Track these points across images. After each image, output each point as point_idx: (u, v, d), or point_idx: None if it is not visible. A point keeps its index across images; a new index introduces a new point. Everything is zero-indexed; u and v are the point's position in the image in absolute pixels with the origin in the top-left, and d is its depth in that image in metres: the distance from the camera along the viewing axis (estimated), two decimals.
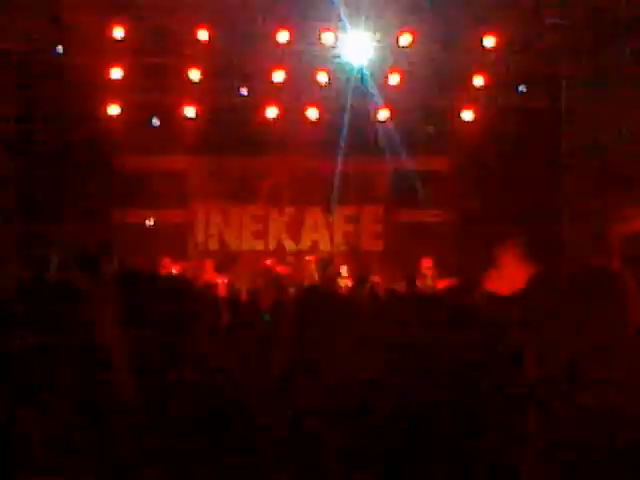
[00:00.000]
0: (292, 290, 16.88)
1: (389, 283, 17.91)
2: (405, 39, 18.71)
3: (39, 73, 18.30)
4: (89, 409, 1.96)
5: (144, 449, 3.16)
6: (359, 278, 17.64)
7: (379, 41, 18.75)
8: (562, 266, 3.58)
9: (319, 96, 19.53)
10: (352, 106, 19.43)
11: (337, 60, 18.94)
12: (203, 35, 18.26)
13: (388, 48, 18.93)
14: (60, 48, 17.98)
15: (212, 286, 14.65)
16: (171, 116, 19.34)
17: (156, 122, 19.35)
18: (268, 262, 19.29)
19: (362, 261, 20.32)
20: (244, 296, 17.25)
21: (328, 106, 19.62)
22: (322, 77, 19.16)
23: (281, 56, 18.92)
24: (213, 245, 20.72)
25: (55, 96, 18.26)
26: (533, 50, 18.97)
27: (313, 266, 19.55)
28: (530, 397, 2.91)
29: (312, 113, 19.75)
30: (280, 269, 19.06)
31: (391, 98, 19.62)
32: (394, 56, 19.09)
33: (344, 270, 19.00)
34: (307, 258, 19.81)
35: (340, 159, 20.15)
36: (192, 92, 19.21)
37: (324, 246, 20.80)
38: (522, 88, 19.83)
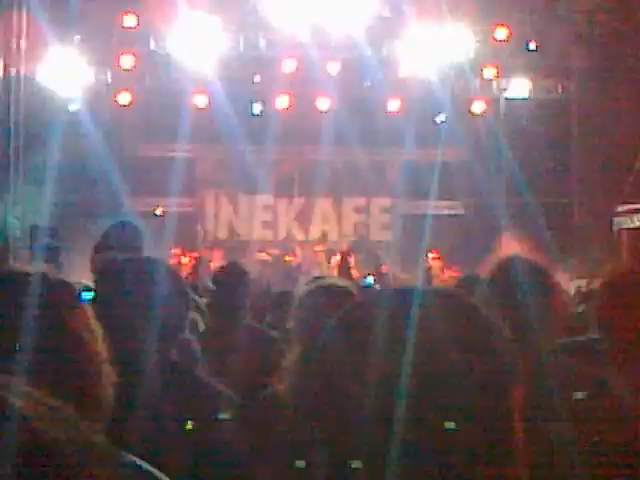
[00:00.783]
0: (302, 279, 16.91)
1: (397, 273, 17.94)
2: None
3: None
4: None
5: None
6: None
7: None
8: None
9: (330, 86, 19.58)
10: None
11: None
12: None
13: None
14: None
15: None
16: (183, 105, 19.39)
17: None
18: (276, 252, 19.36)
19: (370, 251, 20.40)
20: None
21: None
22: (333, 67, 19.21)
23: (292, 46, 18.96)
24: (222, 234, 20.79)
25: None
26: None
27: (322, 256, 19.60)
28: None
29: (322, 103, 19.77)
30: (290, 259, 19.14)
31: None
32: None
33: (352, 261, 19.02)
34: (316, 248, 19.85)
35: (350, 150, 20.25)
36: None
37: (333, 236, 20.83)
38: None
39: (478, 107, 20.01)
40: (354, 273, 18.54)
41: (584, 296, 7.32)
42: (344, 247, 19.14)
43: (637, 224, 17.21)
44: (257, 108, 19.72)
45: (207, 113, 19.47)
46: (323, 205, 21.09)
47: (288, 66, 19.13)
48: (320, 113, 19.76)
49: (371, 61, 19.26)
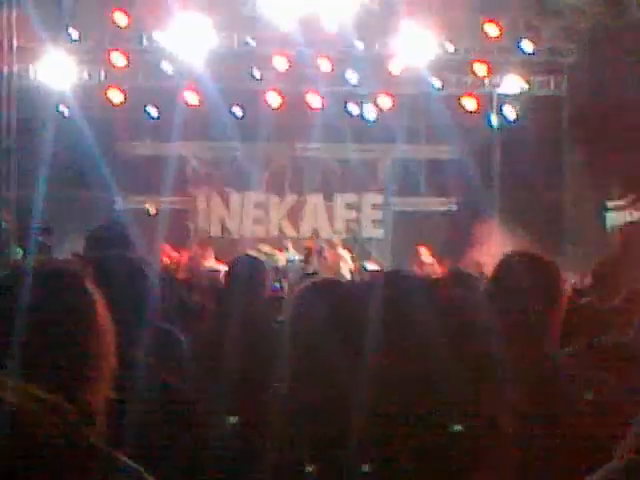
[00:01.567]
0: (293, 275, 16.94)
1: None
2: None
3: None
4: None
5: None
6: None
7: None
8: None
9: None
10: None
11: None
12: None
13: None
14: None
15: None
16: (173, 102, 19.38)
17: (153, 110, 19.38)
18: (266, 248, 19.35)
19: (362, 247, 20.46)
20: None
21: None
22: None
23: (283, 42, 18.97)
24: (214, 231, 20.79)
25: None
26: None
27: (313, 252, 19.62)
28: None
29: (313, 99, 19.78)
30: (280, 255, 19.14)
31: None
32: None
33: (347, 255, 19.06)
34: (306, 244, 19.87)
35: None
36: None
37: (324, 233, 20.85)
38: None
39: (470, 103, 20.02)
40: (348, 267, 18.63)
41: (579, 292, 7.34)
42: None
43: (629, 219, 17.25)
44: (248, 105, 19.69)
45: (198, 110, 19.47)
46: (314, 202, 21.09)
47: (279, 63, 19.12)
48: (311, 110, 19.76)
49: (361, 57, 19.28)
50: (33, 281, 2.11)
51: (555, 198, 20.00)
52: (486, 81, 19.93)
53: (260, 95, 19.67)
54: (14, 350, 1.99)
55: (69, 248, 12.02)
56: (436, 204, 20.68)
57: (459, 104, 19.92)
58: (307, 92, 19.71)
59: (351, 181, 20.98)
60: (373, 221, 21.27)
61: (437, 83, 19.66)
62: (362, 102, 19.98)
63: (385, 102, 19.92)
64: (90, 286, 2.16)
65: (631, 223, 16.72)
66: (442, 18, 18.67)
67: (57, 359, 2.01)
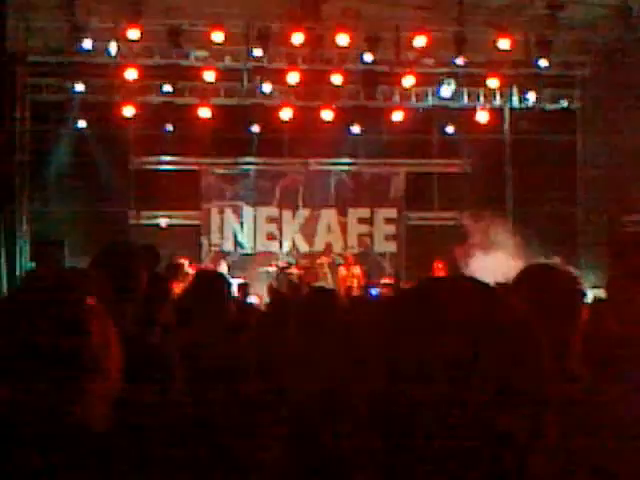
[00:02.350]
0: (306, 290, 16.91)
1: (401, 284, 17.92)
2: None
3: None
4: None
5: None
6: None
7: None
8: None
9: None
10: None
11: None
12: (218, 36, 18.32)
13: None
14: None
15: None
16: (185, 117, 19.42)
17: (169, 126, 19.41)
18: (280, 264, 19.34)
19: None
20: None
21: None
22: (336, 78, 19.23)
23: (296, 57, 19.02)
24: (227, 246, 20.77)
25: None
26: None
27: (327, 267, 19.59)
28: None
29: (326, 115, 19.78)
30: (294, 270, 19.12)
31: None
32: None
33: (357, 270, 19.03)
34: (320, 260, 19.85)
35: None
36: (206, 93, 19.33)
37: (337, 248, 20.81)
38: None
39: (482, 117, 19.99)
40: (357, 282, 18.58)
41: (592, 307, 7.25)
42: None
43: None
44: (261, 120, 19.70)
45: (211, 126, 19.49)
46: (327, 216, 21.07)
47: (292, 78, 19.13)
48: (324, 124, 19.77)
49: (375, 71, 19.29)
50: (32, 293, 2.10)
51: (568, 212, 19.93)
52: (498, 95, 19.91)
53: (273, 110, 19.69)
54: (9, 359, 1.98)
55: (82, 262, 12.02)
56: (449, 218, 20.60)
57: (472, 118, 19.90)
58: (321, 107, 19.72)
59: (364, 196, 20.96)
60: (386, 236, 21.23)
61: (450, 97, 19.65)
62: (375, 116, 19.96)
63: (398, 116, 19.92)
64: (89, 300, 2.14)
65: None
66: (455, 32, 18.67)
67: (50, 371, 1.99)
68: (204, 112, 19.40)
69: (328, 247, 20.76)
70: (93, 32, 18.00)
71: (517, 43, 18.87)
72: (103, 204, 18.71)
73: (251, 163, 20.48)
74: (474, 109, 19.96)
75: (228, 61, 19.06)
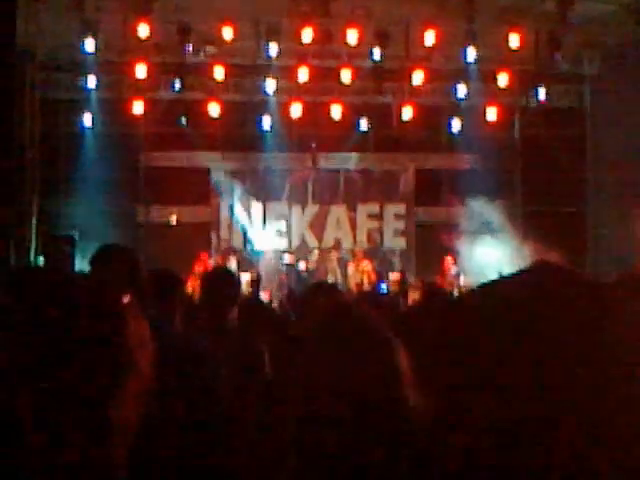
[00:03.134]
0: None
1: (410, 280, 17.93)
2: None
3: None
4: None
5: None
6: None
7: None
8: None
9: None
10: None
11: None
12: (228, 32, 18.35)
13: None
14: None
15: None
16: (196, 113, 19.47)
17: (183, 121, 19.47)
18: (290, 259, 19.36)
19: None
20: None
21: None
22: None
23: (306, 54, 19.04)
24: (236, 242, 20.78)
25: None
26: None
27: (336, 263, 19.59)
28: None
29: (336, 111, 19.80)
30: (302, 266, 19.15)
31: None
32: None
33: (368, 266, 19.03)
34: (330, 255, 19.85)
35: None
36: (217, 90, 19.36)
37: (347, 243, 20.81)
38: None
39: (492, 113, 19.98)
40: (368, 278, 18.60)
41: None
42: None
43: None
44: (270, 116, 19.75)
45: (221, 121, 19.54)
46: (337, 212, 21.07)
47: (302, 74, 19.15)
48: (333, 120, 19.79)
49: (384, 67, 19.29)
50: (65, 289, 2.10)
51: (578, 209, 19.91)
52: (508, 91, 19.89)
53: (283, 106, 19.73)
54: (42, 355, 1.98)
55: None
56: (458, 214, 20.57)
57: (481, 114, 19.88)
58: (330, 102, 19.74)
59: (373, 191, 20.96)
60: (395, 231, 21.22)
61: (459, 93, 19.65)
62: (384, 112, 19.97)
63: (407, 112, 19.92)
64: (124, 298, 2.14)
65: None
66: (465, 28, 18.65)
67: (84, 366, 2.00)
68: (214, 108, 19.46)
69: (337, 243, 20.76)
70: (103, 29, 18.04)
71: (527, 40, 18.84)
72: (113, 200, 18.75)
73: (260, 159, 20.50)
74: (483, 105, 19.95)
75: (238, 57, 19.08)
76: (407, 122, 19.94)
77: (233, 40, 18.47)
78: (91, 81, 18.68)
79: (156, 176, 19.70)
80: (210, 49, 18.87)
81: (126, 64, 18.72)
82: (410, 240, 21.09)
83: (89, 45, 18.07)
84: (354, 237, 21.01)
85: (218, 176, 20.71)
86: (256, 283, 16.88)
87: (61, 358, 1.95)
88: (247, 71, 19.43)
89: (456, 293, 15.78)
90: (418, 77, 19.43)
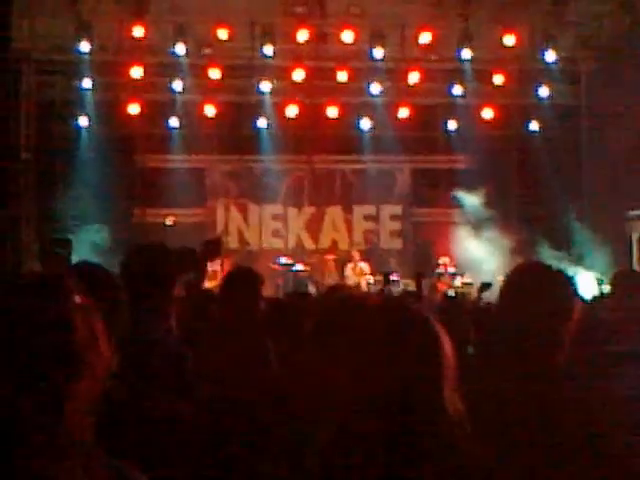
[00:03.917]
0: (312, 288, 16.91)
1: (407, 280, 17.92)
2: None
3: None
4: None
5: None
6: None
7: None
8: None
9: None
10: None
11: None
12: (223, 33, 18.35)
13: None
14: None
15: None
16: (191, 114, 19.45)
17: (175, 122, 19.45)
18: (284, 261, 19.29)
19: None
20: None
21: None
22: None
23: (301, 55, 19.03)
24: (233, 244, 20.75)
25: None
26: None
27: (333, 264, 19.56)
28: None
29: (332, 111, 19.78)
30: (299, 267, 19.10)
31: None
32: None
33: (366, 267, 19.00)
34: (326, 257, 19.82)
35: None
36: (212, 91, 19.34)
37: (343, 245, 20.79)
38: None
39: (487, 113, 19.98)
40: (367, 279, 18.57)
41: (596, 301, 7.28)
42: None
43: None
44: (266, 117, 19.73)
45: (216, 123, 19.52)
46: (333, 213, 21.05)
47: (297, 75, 19.14)
48: (329, 121, 19.78)
49: (380, 68, 19.29)
50: (19, 291, 2.08)
51: (573, 207, 19.89)
52: (504, 91, 19.88)
53: (279, 107, 19.71)
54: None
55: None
56: (455, 215, 20.56)
57: (477, 114, 19.88)
58: (325, 103, 19.73)
59: (369, 192, 20.92)
60: (392, 232, 21.20)
61: (455, 93, 19.65)
62: (380, 113, 19.95)
63: (403, 112, 19.90)
64: (75, 297, 2.09)
65: None
66: (460, 28, 18.66)
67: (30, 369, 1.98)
68: (209, 109, 19.44)
69: (334, 244, 20.74)
70: (98, 30, 18.03)
71: (522, 39, 18.84)
72: (109, 202, 18.70)
73: (256, 160, 20.46)
74: (479, 105, 19.95)
75: (233, 58, 19.07)
76: (403, 122, 19.92)
77: (228, 41, 18.48)
78: (87, 82, 18.67)
79: (152, 177, 19.66)
80: (206, 50, 18.86)
81: (122, 65, 18.71)
82: (407, 241, 21.07)
83: (84, 46, 18.09)
84: (350, 238, 20.99)
85: (214, 177, 20.68)
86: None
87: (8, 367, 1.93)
88: (242, 72, 19.40)
89: (452, 293, 15.77)
90: (414, 77, 19.43)
